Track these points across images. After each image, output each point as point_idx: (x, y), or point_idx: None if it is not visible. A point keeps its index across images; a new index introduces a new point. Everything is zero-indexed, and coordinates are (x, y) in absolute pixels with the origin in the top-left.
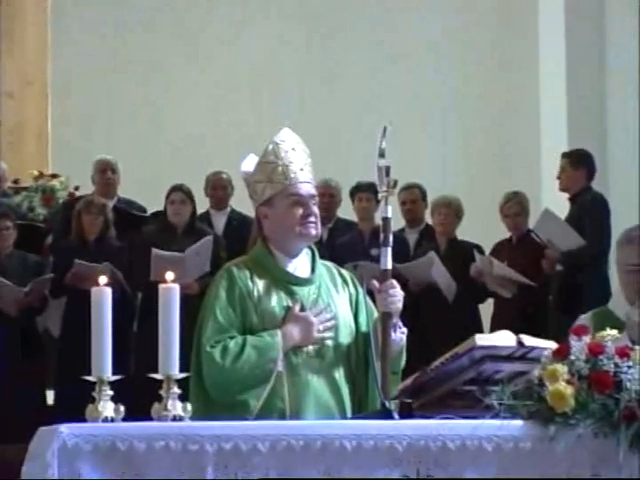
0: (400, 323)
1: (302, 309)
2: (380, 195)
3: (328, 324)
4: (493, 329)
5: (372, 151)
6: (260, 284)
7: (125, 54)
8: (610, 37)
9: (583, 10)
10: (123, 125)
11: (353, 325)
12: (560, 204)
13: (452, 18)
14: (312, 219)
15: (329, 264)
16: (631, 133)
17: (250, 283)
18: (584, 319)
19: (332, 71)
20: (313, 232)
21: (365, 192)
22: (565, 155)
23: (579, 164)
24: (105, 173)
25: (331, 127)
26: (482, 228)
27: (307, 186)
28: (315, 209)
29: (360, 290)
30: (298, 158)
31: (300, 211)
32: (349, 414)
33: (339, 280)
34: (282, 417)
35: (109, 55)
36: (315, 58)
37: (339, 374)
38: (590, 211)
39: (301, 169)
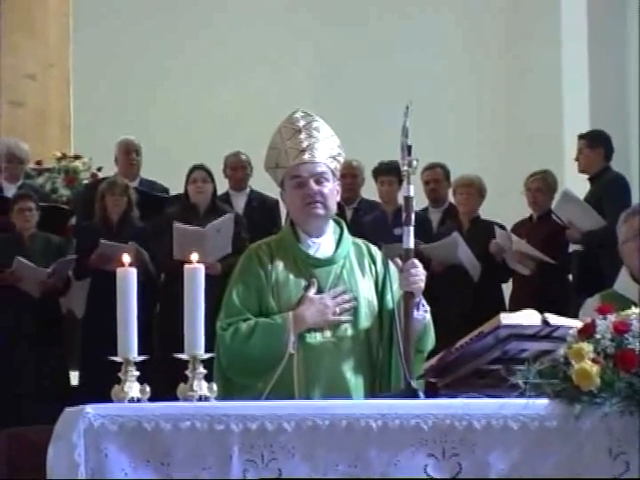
0: (424, 301)
1: (320, 291)
2: (402, 174)
3: (346, 306)
4: (512, 308)
5: (392, 134)
6: (280, 265)
7: (146, 38)
8: (633, 19)
9: None
10: (144, 108)
11: (376, 307)
12: (583, 186)
13: (467, 11)
14: (315, 198)
15: (360, 242)
16: None
17: (269, 265)
18: (592, 302)
19: (348, 56)
20: (317, 212)
21: (387, 175)
22: (582, 136)
23: (596, 144)
24: (129, 154)
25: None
26: (508, 210)
27: (309, 166)
28: (318, 188)
29: (388, 268)
30: (305, 139)
31: (302, 192)
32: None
33: (367, 259)
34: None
35: (130, 38)
36: (331, 43)
37: (356, 357)
38: (610, 191)
39: (302, 150)
